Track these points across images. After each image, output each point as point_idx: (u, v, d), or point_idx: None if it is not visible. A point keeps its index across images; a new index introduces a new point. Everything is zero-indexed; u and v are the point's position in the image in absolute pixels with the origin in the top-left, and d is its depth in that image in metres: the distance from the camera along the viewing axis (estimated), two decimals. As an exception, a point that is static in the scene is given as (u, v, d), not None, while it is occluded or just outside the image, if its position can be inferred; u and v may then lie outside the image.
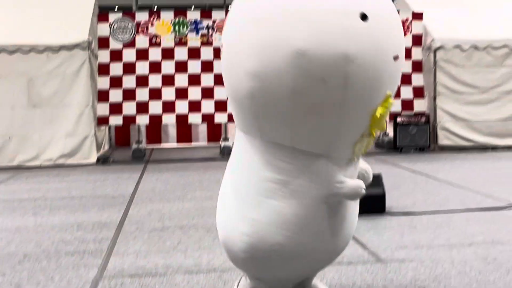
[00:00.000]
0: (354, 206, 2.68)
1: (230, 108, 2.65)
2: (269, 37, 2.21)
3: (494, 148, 10.50)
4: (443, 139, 10.53)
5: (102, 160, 9.88)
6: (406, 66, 10.70)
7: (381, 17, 2.31)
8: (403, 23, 10.65)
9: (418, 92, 10.76)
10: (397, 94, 10.58)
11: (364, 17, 2.21)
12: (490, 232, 4.57)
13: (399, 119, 10.50)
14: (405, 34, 10.47)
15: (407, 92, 10.65)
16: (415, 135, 10.50)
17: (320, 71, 2.18)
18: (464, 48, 10.47)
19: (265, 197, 2.45)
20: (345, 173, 2.48)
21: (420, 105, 10.77)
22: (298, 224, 2.46)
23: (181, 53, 10.25)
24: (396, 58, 2.33)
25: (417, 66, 10.75)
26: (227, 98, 2.65)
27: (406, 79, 10.64)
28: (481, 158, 9.42)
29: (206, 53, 10.28)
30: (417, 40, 10.73)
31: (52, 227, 5.12)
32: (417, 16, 10.83)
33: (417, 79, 10.74)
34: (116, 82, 10.08)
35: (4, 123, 9.50)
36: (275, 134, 2.41)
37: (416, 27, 10.75)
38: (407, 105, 10.68)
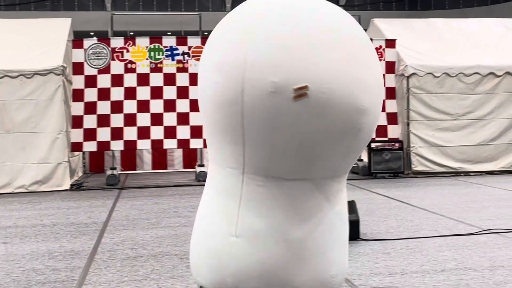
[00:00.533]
0: None
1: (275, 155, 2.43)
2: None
3: (466, 173, 10.63)
4: (417, 165, 10.63)
5: (76, 187, 9.79)
6: (380, 93, 10.79)
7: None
8: (377, 49, 10.79)
9: (392, 118, 10.89)
10: (371, 120, 10.72)
11: None
12: (463, 258, 4.61)
13: (373, 145, 10.59)
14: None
15: (381, 119, 10.71)
16: (389, 161, 10.59)
17: None
18: (436, 75, 10.65)
19: (337, 235, 2.65)
20: None
21: (394, 131, 10.89)
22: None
23: (156, 79, 10.25)
24: None
25: (391, 93, 10.88)
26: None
27: (380, 106, 10.73)
28: (453, 184, 9.53)
29: (182, 79, 10.29)
30: (390, 67, 10.87)
31: (23, 255, 5.05)
32: (390, 43, 11.00)
33: (391, 106, 10.87)
34: (90, 108, 10.03)
35: (-24, 149, 9.37)
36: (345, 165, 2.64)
37: (389, 54, 10.91)
38: (381, 131, 10.78)
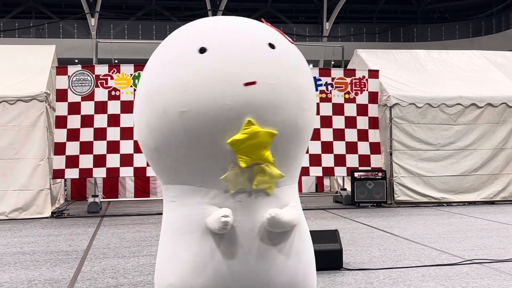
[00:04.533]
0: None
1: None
2: None
3: (449, 203, 10.68)
4: (400, 195, 10.66)
5: (57, 214, 9.68)
6: (363, 123, 10.92)
7: None
8: (360, 80, 10.91)
9: (375, 148, 10.95)
10: (355, 150, 10.80)
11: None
12: (445, 288, 4.60)
13: (356, 174, 10.61)
14: (361, 91, 10.78)
15: (364, 148, 10.84)
16: (372, 190, 10.62)
17: None
18: (419, 105, 10.75)
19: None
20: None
21: (377, 161, 10.94)
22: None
23: (140, 107, 10.22)
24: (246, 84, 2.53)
25: (374, 123, 10.96)
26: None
27: (363, 135, 10.86)
28: (436, 214, 9.56)
29: (166, 107, 10.27)
30: (373, 97, 10.98)
31: (1, 284, 4.95)
32: (373, 73, 11.11)
33: (374, 135, 10.94)
34: (73, 134, 9.99)
35: (-45, 175, 9.25)
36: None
37: (372, 84, 11.01)
38: (364, 160, 10.85)
